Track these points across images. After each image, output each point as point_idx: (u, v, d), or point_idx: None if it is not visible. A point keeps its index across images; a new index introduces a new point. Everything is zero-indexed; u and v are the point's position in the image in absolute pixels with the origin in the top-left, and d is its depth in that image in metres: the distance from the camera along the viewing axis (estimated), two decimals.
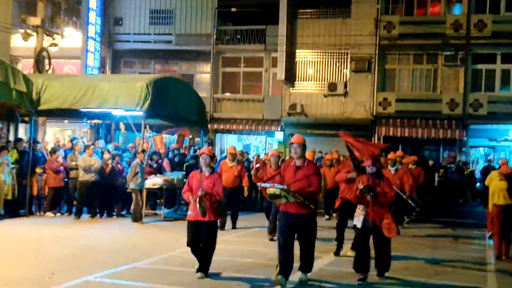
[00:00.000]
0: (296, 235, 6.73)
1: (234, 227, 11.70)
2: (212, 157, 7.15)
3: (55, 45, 18.13)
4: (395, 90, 20.99)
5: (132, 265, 7.52)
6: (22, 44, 18.87)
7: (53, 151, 13.57)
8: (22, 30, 18.12)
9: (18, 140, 13.60)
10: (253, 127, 21.64)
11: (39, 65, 17.63)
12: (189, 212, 7.03)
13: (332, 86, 20.94)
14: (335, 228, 9.25)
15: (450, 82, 20.59)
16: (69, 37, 19.68)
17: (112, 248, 8.86)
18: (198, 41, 22.48)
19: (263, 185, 6.82)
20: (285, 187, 6.38)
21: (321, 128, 20.57)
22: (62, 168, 13.25)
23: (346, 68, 21.22)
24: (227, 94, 22.94)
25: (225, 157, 12.72)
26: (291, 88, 21.60)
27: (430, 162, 19.34)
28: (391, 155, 11.64)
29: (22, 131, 16.49)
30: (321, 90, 21.31)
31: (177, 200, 14.80)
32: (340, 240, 9.05)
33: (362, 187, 6.89)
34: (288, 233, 6.62)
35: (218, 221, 7.57)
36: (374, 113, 20.66)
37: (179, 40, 22.70)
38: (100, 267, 7.23)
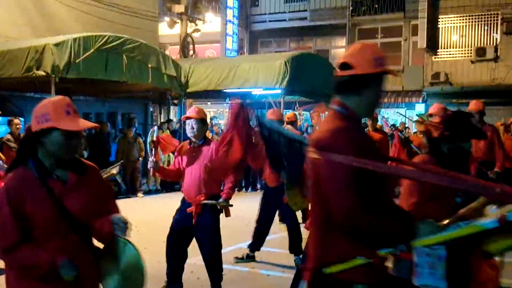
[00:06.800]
0: None
1: None
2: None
3: (198, 30, 19.11)
4: None
5: (280, 235, 7.68)
6: (167, 31, 20.13)
7: None
8: (167, 18, 19.34)
9: (169, 121, 14.66)
10: (392, 100, 20.88)
11: (184, 51, 18.74)
12: None
13: (480, 51, 19.42)
14: None
15: None
16: (210, 22, 20.56)
17: None
18: (333, 15, 22.18)
19: None
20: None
21: (468, 97, 18.86)
22: None
23: (496, 31, 19.53)
24: None
25: None
26: (433, 57, 20.46)
27: None
28: None
29: (172, 113, 17.70)
30: (468, 56, 19.87)
31: None
32: None
33: None
34: None
35: None
36: None
37: (314, 16, 22.58)
38: None
